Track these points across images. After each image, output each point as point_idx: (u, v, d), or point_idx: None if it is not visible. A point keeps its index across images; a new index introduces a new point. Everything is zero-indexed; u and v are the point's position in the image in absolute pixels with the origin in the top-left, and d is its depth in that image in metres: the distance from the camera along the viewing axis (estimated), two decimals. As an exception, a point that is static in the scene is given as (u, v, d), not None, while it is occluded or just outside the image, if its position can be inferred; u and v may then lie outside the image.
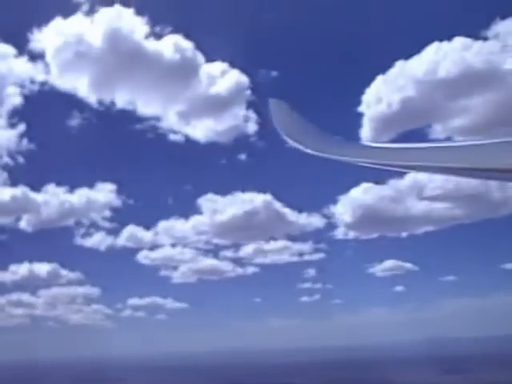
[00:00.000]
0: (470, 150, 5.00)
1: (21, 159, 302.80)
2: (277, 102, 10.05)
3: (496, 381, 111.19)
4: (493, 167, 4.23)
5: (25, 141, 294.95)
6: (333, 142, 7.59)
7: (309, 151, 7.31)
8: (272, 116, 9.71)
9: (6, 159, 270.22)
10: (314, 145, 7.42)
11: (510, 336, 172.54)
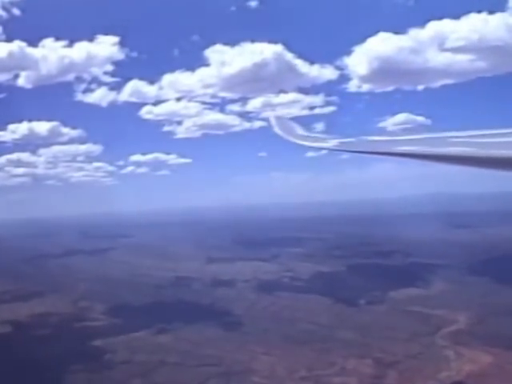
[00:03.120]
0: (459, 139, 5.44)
1: (16, 12, 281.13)
2: (277, 117, 13.21)
3: (502, 236, 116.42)
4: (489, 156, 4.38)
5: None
6: (321, 138, 10.27)
7: (302, 144, 9.73)
8: (275, 127, 12.32)
9: (0, 12, 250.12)
10: (307, 141, 9.96)
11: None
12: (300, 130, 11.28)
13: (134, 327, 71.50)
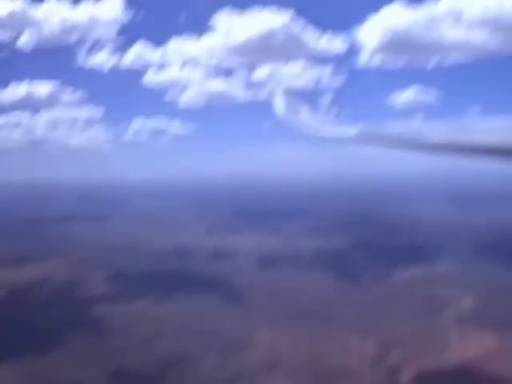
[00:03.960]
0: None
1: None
2: (280, 101, 12.68)
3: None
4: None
5: None
6: (328, 124, 10.14)
7: (309, 132, 9.83)
8: (281, 114, 12.08)
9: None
10: (312, 127, 10.03)
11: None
12: (309, 115, 11.24)
13: (133, 296, 71.69)
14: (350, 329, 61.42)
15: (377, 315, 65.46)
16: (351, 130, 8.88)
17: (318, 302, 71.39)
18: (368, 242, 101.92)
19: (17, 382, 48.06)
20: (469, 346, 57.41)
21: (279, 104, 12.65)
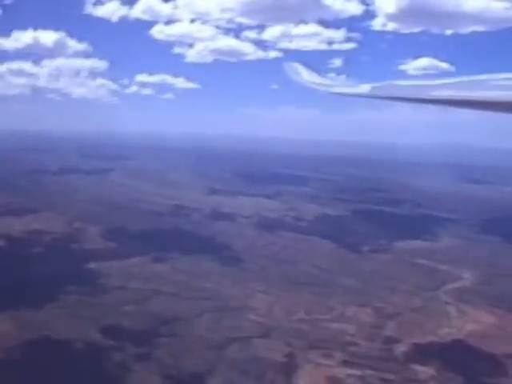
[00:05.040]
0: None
1: None
2: (290, 63, 13.14)
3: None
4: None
5: None
6: (334, 83, 10.83)
7: (318, 89, 10.38)
8: (289, 74, 12.55)
9: None
10: (319, 85, 10.73)
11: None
12: (319, 77, 11.48)
13: (130, 253, 71.25)
14: (348, 296, 61.23)
15: (374, 284, 65.26)
16: (362, 86, 8.84)
17: (317, 268, 71.16)
18: (370, 210, 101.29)
19: (10, 331, 47.98)
20: (466, 323, 57.29)
21: (289, 67, 12.84)
